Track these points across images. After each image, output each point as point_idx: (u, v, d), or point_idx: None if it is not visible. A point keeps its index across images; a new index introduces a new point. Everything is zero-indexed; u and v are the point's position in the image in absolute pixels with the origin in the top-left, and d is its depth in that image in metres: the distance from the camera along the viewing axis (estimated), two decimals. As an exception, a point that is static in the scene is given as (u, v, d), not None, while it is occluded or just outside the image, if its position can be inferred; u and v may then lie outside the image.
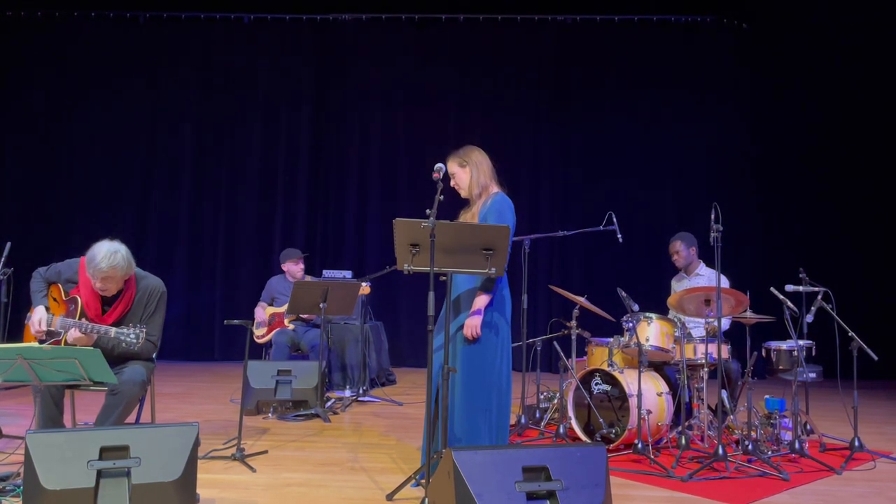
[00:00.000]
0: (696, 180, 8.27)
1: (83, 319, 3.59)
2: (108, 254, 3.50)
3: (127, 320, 3.68)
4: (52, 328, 3.59)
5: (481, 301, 3.43)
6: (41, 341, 3.59)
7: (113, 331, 3.48)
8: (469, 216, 3.63)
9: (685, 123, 8.39)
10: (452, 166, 3.65)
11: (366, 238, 8.61)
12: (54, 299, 3.73)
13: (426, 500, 3.00)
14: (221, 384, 6.73)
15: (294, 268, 6.36)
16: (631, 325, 4.43)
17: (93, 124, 8.60)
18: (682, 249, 5.20)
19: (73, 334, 3.51)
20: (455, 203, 3.75)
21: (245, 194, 8.68)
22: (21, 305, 3.87)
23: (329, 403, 5.67)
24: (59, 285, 3.75)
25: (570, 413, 4.48)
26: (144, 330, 3.48)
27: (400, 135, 8.69)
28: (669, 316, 4.84)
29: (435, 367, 3.41)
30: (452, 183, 3.66)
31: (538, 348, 5.31)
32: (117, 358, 3.67)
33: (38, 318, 3.58)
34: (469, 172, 3.62)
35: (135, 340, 3.44)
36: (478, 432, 3.39)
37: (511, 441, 4.53)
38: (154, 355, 3.86)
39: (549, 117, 8.61)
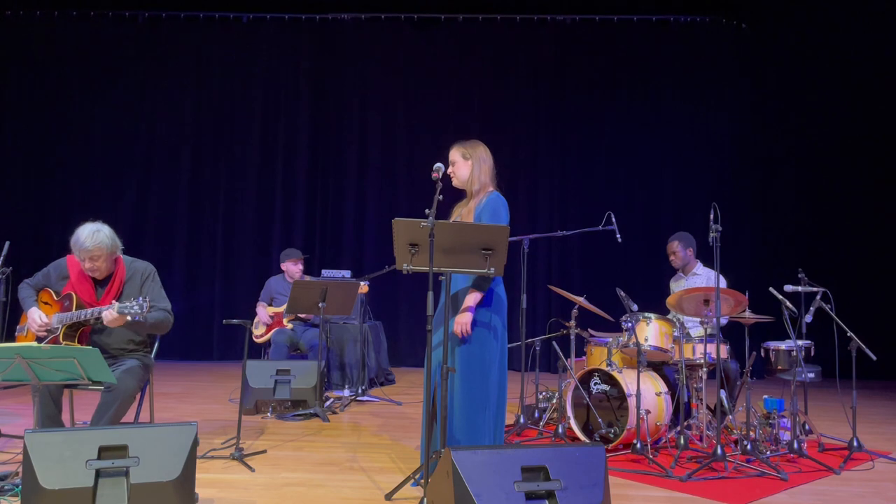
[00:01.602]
0: (695, 180, 8.28)
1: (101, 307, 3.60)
2: (91, 233, 3.60)
3: (122, 300, 3.69)
4: (49, 326, 3.60)
5: (472, 299, 3.43)
6: (40, 339, 3.59)
7: (116, 305, 3.48)
8: (465, 212, 3.62)
9: (684, 123, 8.40)
10: (455, 155, 3.64)
11: (364, 238, 8.62)
12: (45, 303, 3.73)
13: (425, 499, 3.00)
14: (220, 384, 6.73)
15: (293, 268, 6.35)
16: (630, 324, 4.43)
17: (91, 123, 8.60)
18: (679, 250, 5.20)
19: (109, 315, 3.47)
20: (454, 202, 3.75)
21: (244, 194, 8.68)
22: (19, 306, 3.86)
23: (328, 403, 5.67)
24: (49, 289, 3.76)
25: (569, 413, 4.48)
26: (147, 299, 3.48)
27: (399, 134, 8.69)
28: (668, 316, 4.84)
29: (433, 366, 3.41)
30: (450, 170, 3.63)
31: (537, 348, 5.31)
32: (115, 354, 3.68)
33: (37, 315, 3.60)
34: (470, 167, 3.61)
35: (139, 311, 3.43)
36: (476, 432, 3.39)
37: (510, 441, 4.53)
38: (153, 354, 3.87)
39: (548, 117, 8.62)
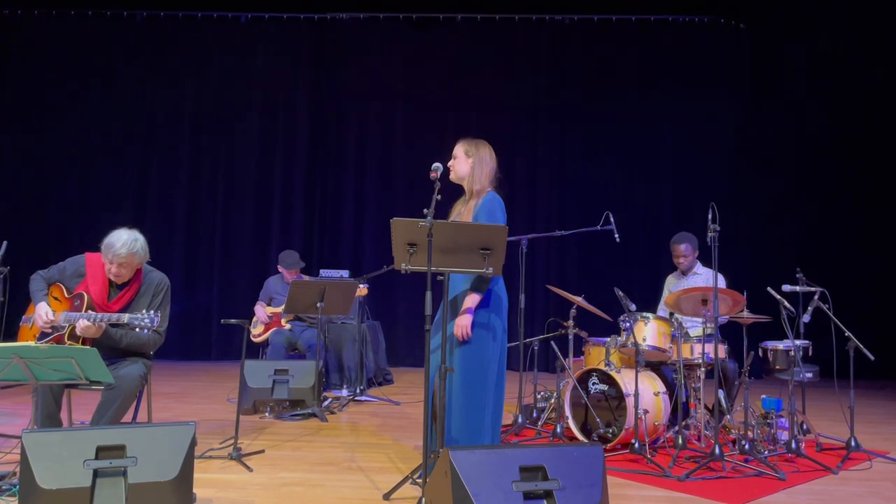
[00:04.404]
0: (693, 180, 8.28)
1: (90, 312, 3.60)
2: (129, 240, 3.64)
3: (132, 309, 3.71)
4: (55, 323, 3.60)
5: (472, 301, 3.43)
6: (44, 334, 3.59)
7: (126, 316, 3.50)
8: (465, 211, 3.62)
9: (682, 123, 8.40)
10: (458, 150, 3.65)
11: (363, 237, 8.61)
12: (55, 298, 3.73)
13: (423, 499, 3.00)
14: (218, 384, 6.72)
15: (288, 277, 6.31)
16: (628, 324, 4.43)
17: (89, 123, 8.59)
18: (688, 253, 5.16)
19: (82, 324, 3.52)
20: (452, 202, 3.75)
21: (242, 193, 8.68)
22: (17, 305, 3.86)
23: (326, 403, 5.67)
24: (61, 285, 3.76)
25: (567, 412, 4.48)
26: (159, 314, 3.52)
27: (397, 134, 8.69)
28: (666, 315, 4.83)
29: (432, 367, 3.41)
30: (450, 163, 3.63)
31: (535, 348, 5.31)
32: (115, 354, 3.69)
33: (44, 311, 3.60)
34: (471, 165, 3.60)
35: (149, 324, 3.47)
36: (476, 432, 3.39)
37: (508, 441, 4.53)
38: (153, 353, 3.88)
39: (546, 117, 8.61)
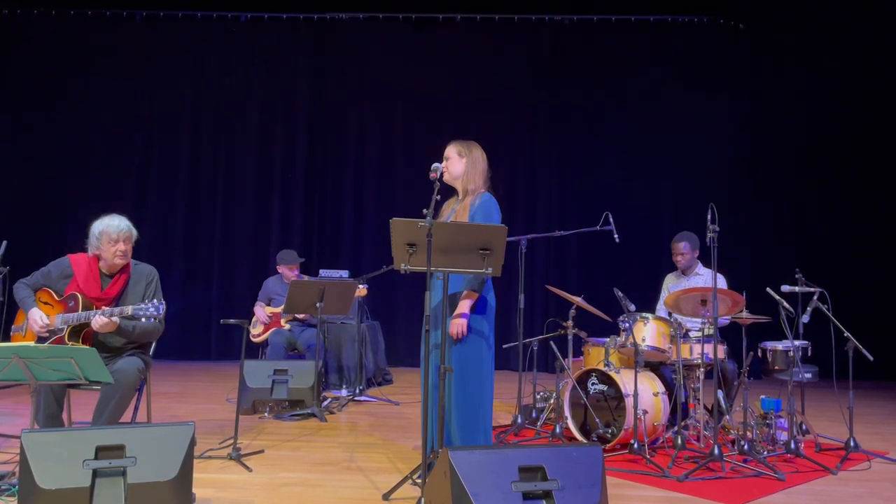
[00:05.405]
0: (692, 180, 8.27)
1: (103, 308, 3.62)
2: (123, 219, 3.78)
3: (125, 300, 3.74)
4: (52, 327, 3.61)
5: (466, 304, 3.45)
6: (41, 339, 3.59)
7: (129, 308, 3.53)
8: (460, 209, 3.63)
9: (682, 123, 8.40)
10: (451, 151, 3.69)
11: (362, 237, 8.61)
12: (45, 303, 3.73)
13: (422, 499, 3.00)
14: (218, 384, 6.72)
15: (289, 273, 6.32)
16: (627, 325, 4.44)
17: (88, 123, 8.58)
18: (687, 251, 5.18)
19: (100, 321, 3.53)
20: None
21: (242, 193, 8.67)
22: (17, 305, 3.86)
23: (325, 403, 5.67)
24: (48, 289, 3.76)
25: (567, 413, 4.48)
26: (163, 303, 3.56)
27: (397, 134, 8.68)
28: (665, 315, 4.84)
29: (431, 367, 3.41)
30: (443, 165, 3.65)
31: (535, 348, 5.30)
32: (114, 351, 3.69)
33: (38, 316, 3.60)
34: (465, 165, 3.64)
35: (154, 313, 3.51)
36: (472, 433, 3.41)
37: (507, 441, 4.54)
38: (151, 352, 3.89)
39: (546, 117, 8.60)
